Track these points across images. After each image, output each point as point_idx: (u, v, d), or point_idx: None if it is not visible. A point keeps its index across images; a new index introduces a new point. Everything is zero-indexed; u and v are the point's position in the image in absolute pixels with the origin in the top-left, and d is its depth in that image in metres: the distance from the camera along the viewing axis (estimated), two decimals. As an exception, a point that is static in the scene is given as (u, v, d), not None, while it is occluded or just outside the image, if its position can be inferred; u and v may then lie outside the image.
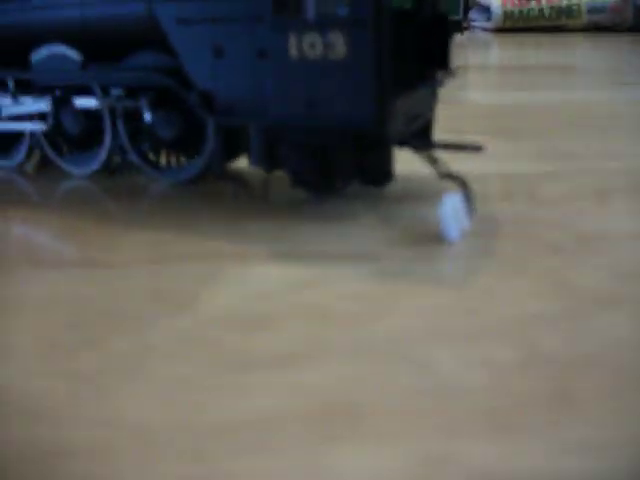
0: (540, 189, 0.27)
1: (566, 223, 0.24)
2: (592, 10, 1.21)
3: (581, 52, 0.94)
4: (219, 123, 0.27)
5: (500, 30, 1.22)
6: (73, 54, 0.30)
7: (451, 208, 0.21)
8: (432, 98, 0.27)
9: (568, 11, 1.21)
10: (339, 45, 0.23)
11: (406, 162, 0.27)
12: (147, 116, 0.29)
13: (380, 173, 0.24)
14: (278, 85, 0.24)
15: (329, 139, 0.24)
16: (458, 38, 1.07)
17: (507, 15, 1.21)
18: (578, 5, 1.21)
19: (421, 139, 0.27)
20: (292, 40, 0.23)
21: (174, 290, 0.19)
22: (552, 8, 1.21)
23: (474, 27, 1.28)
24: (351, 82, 0.23)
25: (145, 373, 0.15)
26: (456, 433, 0.13)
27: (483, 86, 0.59)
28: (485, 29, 1.25)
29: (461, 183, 0.23)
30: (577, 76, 0.65)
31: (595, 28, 1.21)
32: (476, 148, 0.26)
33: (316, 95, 0.24)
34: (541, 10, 1.21)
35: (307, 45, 0.23)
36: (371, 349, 0.16)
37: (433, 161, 0.25)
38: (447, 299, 0.18)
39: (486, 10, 1.25)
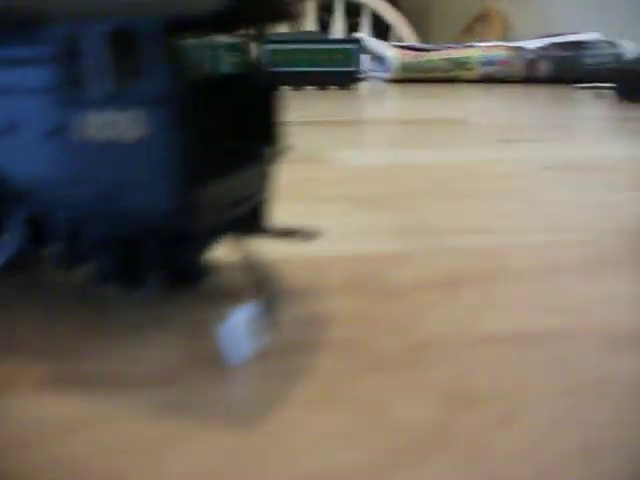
0: (388, 275, 0.24)
1: (405, 324, 0.21)
2: (485, 63, 1.24)
3: (474, 104, 0.95)
4: (13, 211, 0.23)
5: (397, 81, 1.23)
6: None
7: (239, 323, 0.18)
8: (262, 177, 0.24)
9: (462, 63, 1.23)
10: (134, 125, 0.19)
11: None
12: None
13: (191, 270, 0.21)
14: (71, 170, 0.21)
15: (130, 232, 0.21)
16: (350, 89, 1.06)
17: (404, 66, 1.22)
18: (472, 58, 1.23)
19: (246, 225, 0.23)
20: (83, 117, 0.20)
21: None
22: (448, 60, 1.23)
23: (371, 77, 1.29)
24: (148, 169, 0.19)
25: None
26: None
27: (359, 143, 0.57)
28: (382, 79, 1.26)
29: (264, 287, 0.20)
30: (466, 131, 0.64)
31: (489, 80, 1.24)
32: (309, 236, 0.23)
33: (111, 182, 0.20)
34: (437, 62, 1.23)
35: (98, 124, 0.20)
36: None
37: (243, 252, 0.21)
38: (231, 444, 0.15)
39: (383, 61, 1.26)
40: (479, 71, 1.24)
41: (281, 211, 0.25)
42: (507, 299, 0.22)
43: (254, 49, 0.24)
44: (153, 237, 0.20)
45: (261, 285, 0.20)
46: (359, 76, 1.08)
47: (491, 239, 0.29)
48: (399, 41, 1.89)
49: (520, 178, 0.42)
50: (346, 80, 1.06)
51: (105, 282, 0.22)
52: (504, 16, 2.38)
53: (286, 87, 1.05)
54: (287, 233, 0.23)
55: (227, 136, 0.22)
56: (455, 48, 1.25)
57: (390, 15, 1.91)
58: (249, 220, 0.24)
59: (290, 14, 0.23)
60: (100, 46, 0.19)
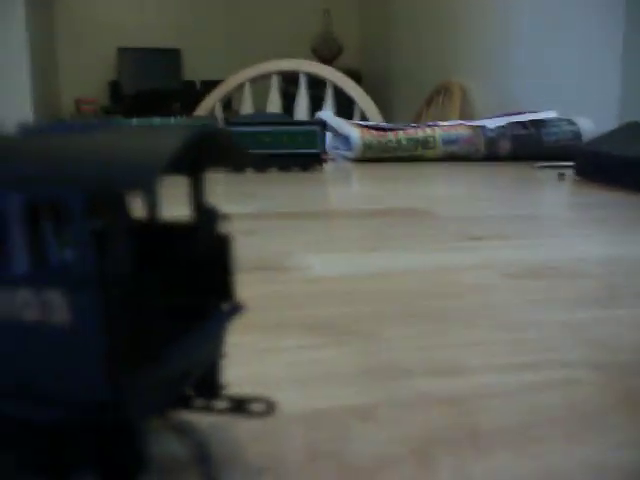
0: (350, 445, 0.22)
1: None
2: (447, 141, 1.25)
3: (439, 188, 0.94)
4: None
5: (361, 160, 1.23)
6: None
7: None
8: (216, 338, 0.22)
9: (424, 142, 1.24)
10: (58, 307, 0.17)
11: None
12: None
13: (128, 462, 0.18)
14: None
15: (54, 419, 0.18)
16: (314, 171, 1.06)
17: (366, 146, 1.23)
18: (433, 137, 1.25)
19: (200, 391, 0.21)
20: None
21: None
22: (409, 139, 1.24)
23: (336, 156, 1.29)
24: (74, 355, 0.17)
25: None
26: None
27: (320, 243, 0.55)
28: (346, 158, 1.26)
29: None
30: (431, 225, 0.63)
31: (451, 158, 1.25)
32: (265, 410, 0.21)
33: (32, 368, 0.18)
34: (399, 141, 1.24)
35: (19, 303, 0.17)
36: None
37: (178, 429, 0.19)
38: None
39: (347, 139, 1.26)
40: (441, 149, 1.25)
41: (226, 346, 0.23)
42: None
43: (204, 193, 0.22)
44: (78, 427, 0.18)
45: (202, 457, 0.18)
46: (323, 158, 1.07)
47: (462, 383, 0.27)
48: (362, 115, 1.91)
49: (485, 290, 0.40)
50: (310, 162, 1.05)
51: (26, 471, 0.19)
52: (464, 90, 2.44)
53: (249, 170, 1.04)
54: (239, 406, 0.21)
55: (172, 294, 0.20)
56: (416, 128, 1.27)
57: (352, 89, 1.95)
58: (201, 386, 0.21)
59: (246, 163, 0.21)
60: (16, 217, 0.17)
